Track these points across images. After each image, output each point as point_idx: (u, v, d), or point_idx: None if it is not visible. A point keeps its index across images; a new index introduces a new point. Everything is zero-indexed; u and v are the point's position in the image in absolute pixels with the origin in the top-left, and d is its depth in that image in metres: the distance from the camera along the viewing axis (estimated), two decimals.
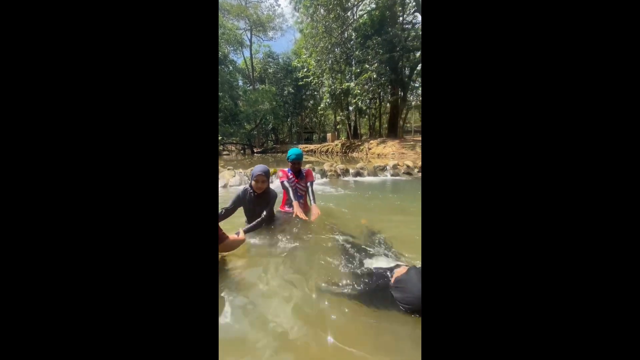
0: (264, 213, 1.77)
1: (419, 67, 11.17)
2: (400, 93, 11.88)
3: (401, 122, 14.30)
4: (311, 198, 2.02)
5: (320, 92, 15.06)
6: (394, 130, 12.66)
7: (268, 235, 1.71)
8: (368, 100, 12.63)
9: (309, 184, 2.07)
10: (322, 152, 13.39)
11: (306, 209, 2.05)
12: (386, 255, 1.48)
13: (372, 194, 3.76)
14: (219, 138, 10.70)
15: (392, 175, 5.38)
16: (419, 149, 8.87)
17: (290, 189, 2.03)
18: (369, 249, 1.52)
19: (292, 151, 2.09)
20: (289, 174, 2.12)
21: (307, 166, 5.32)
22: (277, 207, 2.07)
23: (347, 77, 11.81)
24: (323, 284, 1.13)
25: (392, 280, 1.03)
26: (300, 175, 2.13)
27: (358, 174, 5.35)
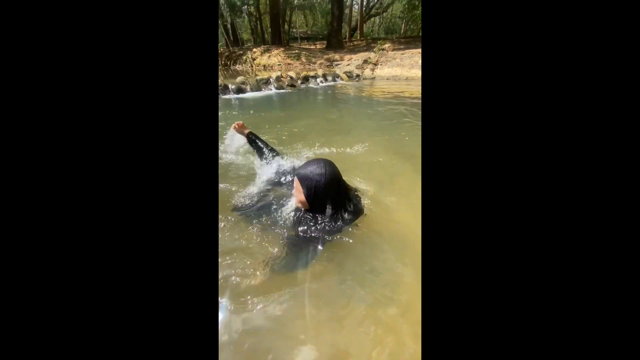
0: None
1: None
2: None
3: (286, 27, 12.64)
4: None
5: None
6: (279, 36, 11.21)
7: None
8: None
9: None
10: None
11: None
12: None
13: (256, 112, 3.48)
14: None
15: (276, 88, 5.03)
16: (304, 58, 8.47)
17: None
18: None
19: None
20: None
21: None
22: None
23: None
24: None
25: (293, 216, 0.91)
26: None
27: (240, 90, 4.68)
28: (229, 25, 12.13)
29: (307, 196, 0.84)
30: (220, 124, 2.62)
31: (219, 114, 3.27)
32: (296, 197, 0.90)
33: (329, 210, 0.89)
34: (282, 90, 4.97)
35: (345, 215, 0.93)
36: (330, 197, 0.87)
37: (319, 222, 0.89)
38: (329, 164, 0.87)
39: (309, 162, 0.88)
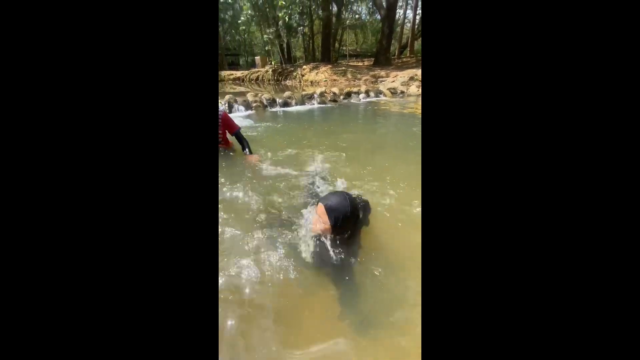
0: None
1: None
2: (333, 8, 10.54)
3: (337, 45, 13.28)
4: (246, 148, 1.71)
5: (240, 1, 12.05)
6: (328, 54, 11.81)
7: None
8: (297, 16, 10.88)
9: (234, 134, 1.69)
10: (252, 80, 11.79)
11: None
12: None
13: (296, 123, 3.72)
14: None
15: (319, 103, 5.30)
16: (350, 75, 8.72)
17: None
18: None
19: None
20: None
21: (227, 97, 4.70)
22: None
23: None
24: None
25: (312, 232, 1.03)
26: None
27: (286, 104, 5.07)
28: (284, 45, 13.31)
29: (333, 225, 0.95)
30: (263, 134, 2.88)
31: (265, 124, 3.60)
32: (318, 225, 0.99)
33: (346, 235, 1.01)
34: (324, 105, 5.22)
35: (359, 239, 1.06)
36: (351, 225, 1.01)
37: (337, 245, 1.01)
38: (350, 197, 0.99)
39: (333, 194, 1.01)
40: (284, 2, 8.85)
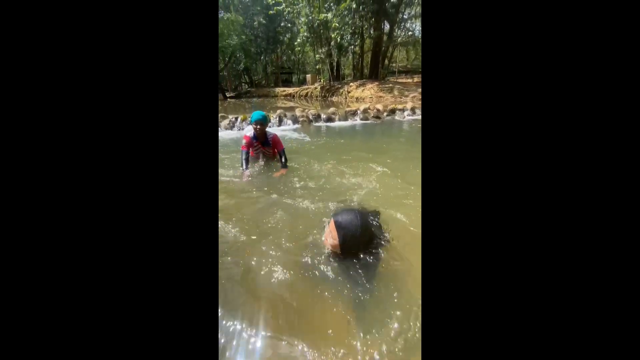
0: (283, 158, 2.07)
1: None
2: (385, 27, 10.77)
3: (386, 62, 13.36)
4: (282, 162, 2.09)
5: (298, 24, 13.26)
6: (376, 71, 11.97)
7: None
8: (349, 36, 11.43)
9: (279, 151, 2.10)
10: (302, 96, 12.67)
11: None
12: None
13: (331, 139, 3.88)
14: None
15: (361, 119, 5.43)
16: (396, 92, 8.67)
17: (243, 160, 2.04)
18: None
19: (254, 114, 2.05)
20: (253, 141, 2.10)
21: (278, 112, 5.19)
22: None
23: (326, 4, 10.32)
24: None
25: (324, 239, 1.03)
26: (266, 143, 2.13)
27: (329, 119, 5.34)
28: (334, 63, 14.00)
29: (341, 244, 0.93)
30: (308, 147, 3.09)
31: (307, 137, 3.87)
32: (329, 240, 0.97)
33: (359, 256, 0.97)
34: (366, 122, 5.32)
35: (371, 260, 0.99)
36: (362, 246, 0.97)
37: (349, 267, 0.96)
38: (362, 216, 0.96)
39: (345, 212, 0.98)
40: (337, 25, 9.44)
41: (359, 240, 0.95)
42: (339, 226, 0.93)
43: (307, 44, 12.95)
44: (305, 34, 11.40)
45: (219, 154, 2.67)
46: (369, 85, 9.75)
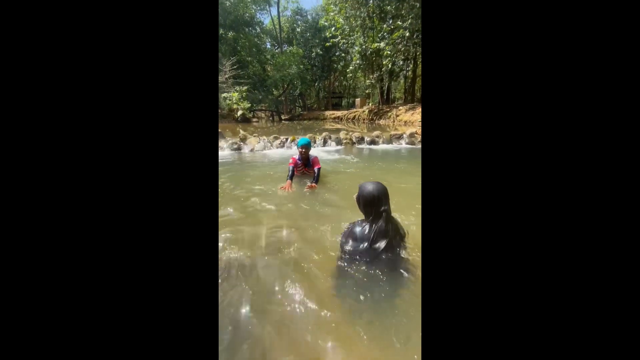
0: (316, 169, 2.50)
1: None
2: None
3: None
4: (315, 178, 2.49)
5: (351, 53, 14.11)
6: None
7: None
8: (401, 62, 11.54)
9: (315, 169, 2.53)
10: (349, 119, 13.08)
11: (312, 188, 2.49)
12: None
13: (370, 162, 3.87)
14: (249, 105, 11.09)
15: (407, 143, 5.29)
16: None
17: (290, 172, 2.48)
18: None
19: (301, 140, 2.55)
20: (298, 161, 2.58)
21: (324, 134, 5.49)
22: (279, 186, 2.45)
23: (380, 35, 10.78)
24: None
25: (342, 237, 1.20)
26: (308, 164, 2.59)
27: (373, 142, 5.37)
28: (384, 87, 14.19)
29: (356, 199, 1.19)
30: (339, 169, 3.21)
31: (346, 158, 3.97)
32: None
33: (367, 219, 1.13)
34: (412, 146, 5.16)
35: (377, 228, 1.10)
36: (367, 207, 1.13)
37: (359, 231, 1.12)
38: (377, 185, 1.14)
39: (371, 182, 1.19)
40: (389, 52, 9.71)
41: (364, 200, 1.13)
42: (360, 186, 1.17)
43: (359, 71, 13.56)
44: (358, 61, 11.98)
45: (268, 168, 3.17)
46: (419, 110, 9.49)
